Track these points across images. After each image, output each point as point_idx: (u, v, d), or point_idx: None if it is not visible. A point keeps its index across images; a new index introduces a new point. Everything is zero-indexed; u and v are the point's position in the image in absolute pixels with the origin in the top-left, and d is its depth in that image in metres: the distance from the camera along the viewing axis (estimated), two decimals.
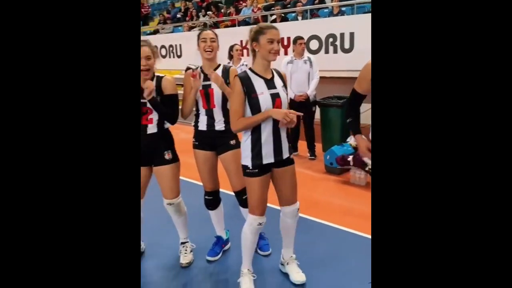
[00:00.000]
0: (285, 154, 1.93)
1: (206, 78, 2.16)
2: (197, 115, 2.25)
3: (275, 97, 1.85)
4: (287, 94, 1.94)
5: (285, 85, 1.95)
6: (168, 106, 2.12)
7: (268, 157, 1.89)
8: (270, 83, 1.88)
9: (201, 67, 2.21)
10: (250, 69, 1.91)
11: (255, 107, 1.84)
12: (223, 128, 2.18)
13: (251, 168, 1.89)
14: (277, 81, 1.91)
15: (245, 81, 1.85)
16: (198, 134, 2.24)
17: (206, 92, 2.16)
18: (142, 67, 2.01)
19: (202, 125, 2.21)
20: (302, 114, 1.88)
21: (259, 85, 1.85)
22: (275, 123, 1.84)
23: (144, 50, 2.03)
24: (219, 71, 2.18)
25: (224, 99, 2.16)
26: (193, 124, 2.30)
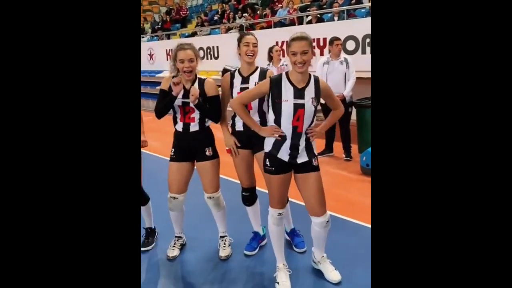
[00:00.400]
0: (302, 159, 2.00)
1: (244, 81, 2.25)
2: (233, 117, 2.34)
3: (298, 107, 1.90)
4: (316, 105, 1.95)
5: (326, 94, 1.99)
6: (212, 107, 2.27)
7: (283, 154, 1.98)
8: (299, 92, 1.91)
9: (238, 69, 2.30)
10: (286, 73, 1.97)
11: (277, 112, 1.95)
12: None
13: (269, 165, 2.01)
14: (309, 91, 1.93)
15: (275, 84, 1.93)
16: (235, 134, 2.34)
17: None
18: (185, 69, 2.17)
19: (239, 126, 2.31)
20: (284, 134, 1.95)
21: (286, 92, 1.91)
22: (295, 127, 1.93)
23: (188, 53, 2.17)
24: (256, 74, 2.26)
25: (260, 101, 2.23)
26: (230, 124, 2.40)
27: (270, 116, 2.00)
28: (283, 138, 1.97)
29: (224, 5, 10.81)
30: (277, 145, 1.99)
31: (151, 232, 2.67)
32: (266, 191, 2.35)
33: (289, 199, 2.39)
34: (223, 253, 2.44)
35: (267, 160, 2.03)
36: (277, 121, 1.96)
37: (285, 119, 1.93)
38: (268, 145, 2.03)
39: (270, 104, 1.98)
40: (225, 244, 2.48)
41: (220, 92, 2.34)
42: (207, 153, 2.31)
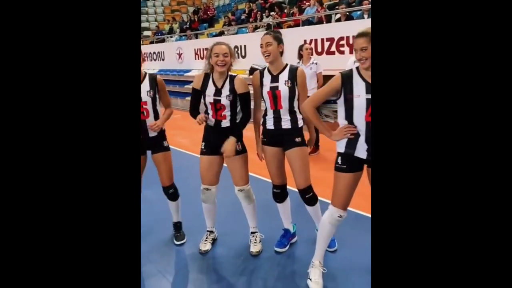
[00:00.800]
0: None
1: (273, 79, 2.25)
2: (265, 115, 2.35)
3: (369, 103, 1.83)
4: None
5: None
6: (242, 104, 2.31)
7: (360, 152, 1.91)
8: (370, 87, 1.83)
9: (267, 68, 2.30)
10: (357, 68, 1.90)
11: (348, 107, 1.90)
12: (290, 127, 2.27)
13: (340, 163, 1.98)
14: None
15: (347, 79, 1.89)
16: (266, 132, 2.35)
17: (274, 94, 2.24)
18: (219, 62, 2.22)
19: (270, 124, 2.31)
20: (356, 131, 1.91)
21: (358, 87, 1.86)
22: (368, 122, 1.85)
23: (223, 48, 2.24)
24: (285, 72, 2.25)
25: (291, 100, 2.24)
26: (261, 122, 2.41)
27: (340, 113, 1.97)
28: (356, 136, 1.92)
29: (251, 4, 10.87)
30: (351, 143, 1.93)
31: (180, 226, 2.75)
32: (296, 190, 2.37)
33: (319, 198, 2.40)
34: (254, 248, 2.47)
35: (339, 158, 1.99)
36: (349, 116, 1.92)
37: (358, 115, 1.88)
38: (340, 146, 1.98)
39: (342, 100, 1.92)
40: (256, 239, 2.51)
41: (252, 91, 2.38)
42: (237, 148, 2.35)
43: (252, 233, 2.55)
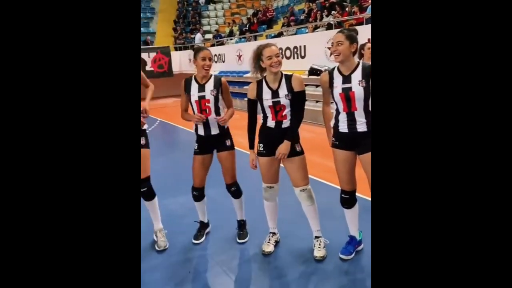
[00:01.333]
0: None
1: (346, 80, 2.16)
2: (337, 115, 2.27)
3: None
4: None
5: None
6: (298, 102, 2.31)
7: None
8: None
9: (337, 67, 2.23)
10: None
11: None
12: (366, 129, 2.16)
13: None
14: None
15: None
16: (338, 135, 2.27)
17: (347, 95, 2.15)
18: (273, 64, 2.24)
19: (343, 127, 2.22)
20: None
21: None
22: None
23: (273, 49, 2.28)
24: (358, 71, 2.14)
25: (366, 100, 2.13)
26: (332, 125, 2.33)
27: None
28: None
29: (310, 4, 10.73)
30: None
31: (244, 224, 2.79)
32: (365, 197, 2.27)
33: None
34: (318, 253, 2.42)
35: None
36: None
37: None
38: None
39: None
40: (320, 244, 2.46)
41: (322, 92, 2.34)
42: (297, 149, 2.36)
43: (316, 237, 2.50)
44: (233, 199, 2.73)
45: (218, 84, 2.57)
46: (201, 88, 2.55)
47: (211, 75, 2.59)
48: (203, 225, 2.85)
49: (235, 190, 2.69)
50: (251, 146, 2.46)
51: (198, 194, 2.71)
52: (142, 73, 2.61)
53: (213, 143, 2.61)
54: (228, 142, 2.62)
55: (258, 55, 2.29)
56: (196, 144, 2.64)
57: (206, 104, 2.53)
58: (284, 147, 2.30)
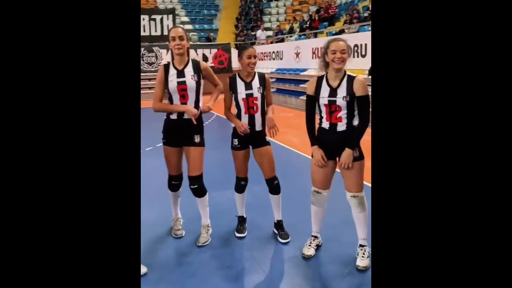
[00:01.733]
0: None
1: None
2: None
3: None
4: None
5: None
6: (360, 108, 2.16)
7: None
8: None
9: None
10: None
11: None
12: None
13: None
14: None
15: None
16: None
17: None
18: (336, 59, 2.16)
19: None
20: None
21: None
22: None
23: (340, 44, 2.18)
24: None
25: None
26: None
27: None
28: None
29: None
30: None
31: (281, 224, 2.76)
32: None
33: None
34: (361, 263, 2.29)
35: None
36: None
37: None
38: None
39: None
40: (364, 253, 2.33)
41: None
42: (354, 154, 2.21)
43: (361, 246, 2.37)
44: (272, 195, 2.70)
45: (263, 81, 2.59)
46: (248, 86, 2.56)
47: (255, 73, 2.61)
48: (243, 219, 2.87)
49: (277, 184, 2.67)
50: (313, 143, 2.35)
51: (245, 183, 2.74)
52: (211, 71, 2.69)
53: (254, 139, 2.62)
54: (267, 138, 2.65)
55: (325, 49, 2.25)
56: (236, 139, 2.64)
57: (254, 101, 2.55)
58: (346, 156, 2.21)
